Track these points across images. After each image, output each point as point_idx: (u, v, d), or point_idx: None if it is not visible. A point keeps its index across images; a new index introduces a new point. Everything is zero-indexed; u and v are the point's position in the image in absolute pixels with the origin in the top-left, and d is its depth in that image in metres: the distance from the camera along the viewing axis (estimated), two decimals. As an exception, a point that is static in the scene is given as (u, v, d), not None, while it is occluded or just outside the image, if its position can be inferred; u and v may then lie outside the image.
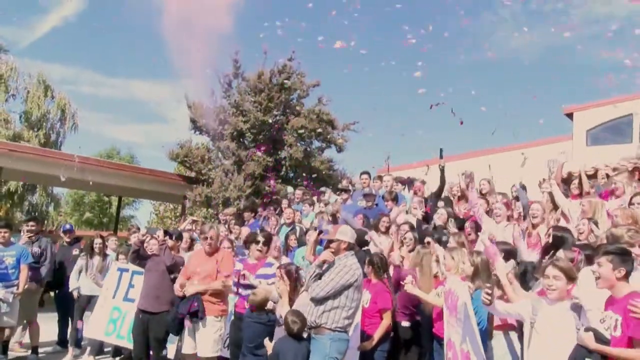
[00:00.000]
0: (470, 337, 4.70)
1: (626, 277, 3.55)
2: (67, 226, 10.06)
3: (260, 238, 6.39)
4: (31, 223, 8.67)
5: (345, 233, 5.19)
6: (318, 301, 4.96)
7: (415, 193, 9.19)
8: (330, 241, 5.17)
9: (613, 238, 4.55)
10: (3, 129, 23.94)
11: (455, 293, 4.98)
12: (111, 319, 7.79)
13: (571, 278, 3.99)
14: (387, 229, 8.08)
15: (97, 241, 8.82)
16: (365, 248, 7.46)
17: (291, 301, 5.55)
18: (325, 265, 5.09)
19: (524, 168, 8.83)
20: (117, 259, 8.51)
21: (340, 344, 4.95)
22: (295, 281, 5.74)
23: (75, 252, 9.11)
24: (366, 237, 7.42)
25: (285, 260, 7.10)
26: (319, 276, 5.02)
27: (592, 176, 9.45)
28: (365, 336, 5.78)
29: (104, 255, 8.72)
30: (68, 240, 9.50)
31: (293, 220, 9.48)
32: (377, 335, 5.69)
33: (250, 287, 6.19)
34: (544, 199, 7.64)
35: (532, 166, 8.99)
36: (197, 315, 6.07)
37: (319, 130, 17.37)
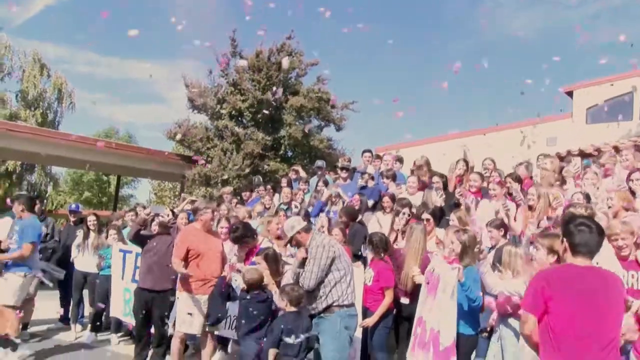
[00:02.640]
0: (444, 319, 4.83)
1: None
2: (73, 206, 10.05)
3: (235, 241, 6.58)
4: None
5: (291, 226, 5.24)
6: (313, 290, 5.03)
7: (412, 172, 9.16)
8: (290, 241, 5.26)
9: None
10: (0, 108, 23.91)
11: (437, 275, 5.08)
12: (124, 300, 7.85)
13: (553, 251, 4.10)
14: (392, 208, 8.13)
15: (91, 218, 8.88)
16: (359, 219, 7.55)
17: (277, 284, 5.67)
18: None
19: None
20: (106, 237, 8.51)
21: (349, 320, 5.07)
22: (276, 264, 5.85)
23: (79, 232, 9.14)
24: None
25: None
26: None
27: (588, 155, 9.49)
28: (368, 313, 5.89)
29: (99, 232, 8.78)
30: (74, 219, 9.52)
31: (291, 199, 9.54)
32: (379, 311, 5.80)
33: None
34: (539, 177, 7.76)
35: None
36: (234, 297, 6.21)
37: (317, 107, 17.33)
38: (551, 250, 4.12)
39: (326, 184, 9.99)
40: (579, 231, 3.33)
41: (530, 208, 6.82)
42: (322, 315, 5.05)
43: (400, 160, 10.07)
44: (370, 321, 5.80)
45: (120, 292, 7.95)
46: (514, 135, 14.52)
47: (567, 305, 3.20)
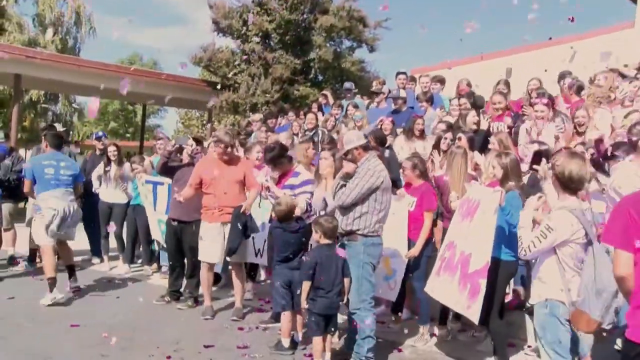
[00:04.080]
0: (479, 242, 4.74)
1: None
2: (100, 133, 9.95)
3: (269, 162, 6.46)
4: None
5: (350, 139, 5.14)
6: (346, 208, 4.99)
7: (460, 95, 8.86)
8: (346, 154, 5.14)
9: None
10: (17, 33, 23.80)
11: (474, 200, 4.98)
12: (161, 231, 7.84)
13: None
14: (422, 132, 7.97)
15: (112, 149, 8.87)
16: (388, 144, 7.43)
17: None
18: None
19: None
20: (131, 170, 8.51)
21: (374, 248, 5.03)
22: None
23: (101, 163, 9.08)
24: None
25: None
26: (344, 186, 5.04)
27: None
28: (412, 243, 5.84)
29: (120, 163, 8.77)
30: (101, 147, 9.39)
31: (315, 126, 9.40)
32: (420, 238, 5.74)
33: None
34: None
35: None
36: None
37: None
38: None
39: (356, 107, 9.82)
40: None
41: (578, 133, 6.59)
42: (345, 242, 5.05)
43: (441, 81, 9.73)
44: (415, 251, 5.75)
45: (155, 223, 8.04)
46: (563, 52, 13.69)
47: None
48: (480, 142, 6.91)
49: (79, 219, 7.43)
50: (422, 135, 7.93)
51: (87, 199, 8.66)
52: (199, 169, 6.52)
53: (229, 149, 6.47)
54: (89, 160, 9.48)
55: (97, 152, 9.46)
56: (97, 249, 9.27)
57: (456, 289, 4.86)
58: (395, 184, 5.95)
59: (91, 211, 8.73)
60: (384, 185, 5.00)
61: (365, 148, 5.15)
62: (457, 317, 5.84)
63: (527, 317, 5.74)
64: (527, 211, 4.08)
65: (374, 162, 5.08)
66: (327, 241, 5.02)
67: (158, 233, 7.95)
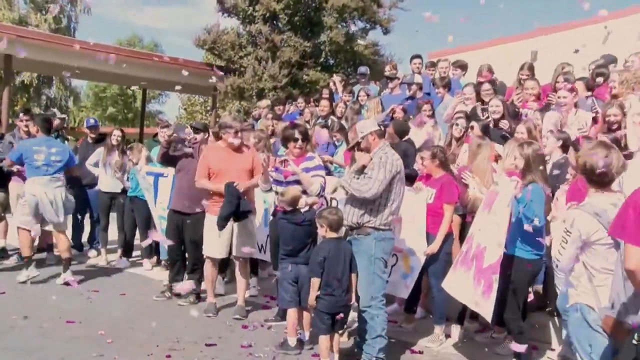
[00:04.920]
0: (493, 234, 4.76)
1: None
2: (92, 121, 9.98)
3: (298, 135, 6.36)
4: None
5: (364, 126, 5.17)
6: (356, 200, 4.98)
7: (481, 82, 8.76)
8: (358, 143, 5.15)
9: None
10: (6, 10, 23.77)
11: (496, 191, 5.01)
12: (162, 229, 7.77)
13: None
14: (430, 118, 8.00)
15: (116, 133, 8.86)
16: (407, 138, 7.43)
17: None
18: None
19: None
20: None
21: (385, 243, 5.04)
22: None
23: (101, 150, 9.08)
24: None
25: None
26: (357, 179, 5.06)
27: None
28: (430, 237, 5.84)
29: (123, 152, 8.75)
30: (93, 136, 9.52)
31: (329, 113, 9.38)
32: (440, 233, 5.74)
33: (288, 183, 6.18)
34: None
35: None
36: (246, 215, 6.28)
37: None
38: None
39: (368, 95, 9.81)
40: None
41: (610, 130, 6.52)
42: (355, 235, 5.06)
43: (462, 66, 9.66)
44: (434, 247, 5.74)
45: (157, 220, 8.02)
46: (595, 33, 13.37)
47: None
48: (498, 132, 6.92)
49: (71, 207, 7.63)
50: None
51: (74, 189, 8.53)
52: (207, 157, 6.50)
53: (239, 135, 6.48)
54: (80, 148, 9.46)
55: (90, 140, 9.47)
56: (78, 241, 9.32)
57: (471, 285, 4.88)
58: (409, 178, 5.95)
59: (77, 202, 8.50)
60: (400, 174, 5.03)
61: (380, 135, 5.17)
62: (474, 316, 5.84)
63: (551, 319, 5.75)
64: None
65: (389, 150, 5.10)
66: (333, 234, 5.03)
67: (159, 232, 7.84)
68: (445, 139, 7.49)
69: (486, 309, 4.69)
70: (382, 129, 5.55)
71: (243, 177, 6.38)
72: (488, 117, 7.27)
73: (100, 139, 9.45)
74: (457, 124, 6.95)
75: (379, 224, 4.97)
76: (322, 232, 5.08)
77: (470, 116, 7.29)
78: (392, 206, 5.02)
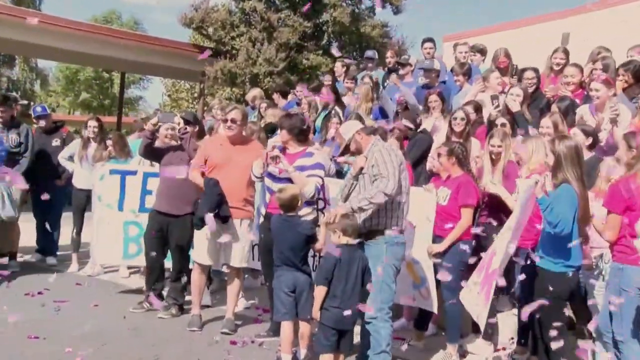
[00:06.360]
0: (502, 240, 4.83)
1: None
2: (38, 109, 9.50)
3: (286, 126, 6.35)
4: None
5: (347, 128, 5.30)
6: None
7: (499, 68, 8.71)
8: (347, 146, 5.26)
9: None
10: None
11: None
12: (128, 237, 7.73)
13: None
14: (442, 110, 7.92)
15: (92, 124, 8.76)
16: (422, 128, 7.43)
17: None
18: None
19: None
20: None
21: (398, 248, 5.08)
22: None
23: (56, 142, 9.08)
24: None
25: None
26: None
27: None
28: (437, 241, 5.78)
29: (103, 143, 8.63)
30: (43, 127, 9.29)
31: (334, 101, 9.27)
32: (451, 235, 5.64)
33: (282, 180, 6.11)
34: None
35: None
36: (226, 220, 6.22)
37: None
38: None
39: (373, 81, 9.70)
40: None
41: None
42: (365, 242, 5.09)
43: (481, 51, 9.62)
44: (439, 247, 5.67)
45: (117, 228, 7.74)
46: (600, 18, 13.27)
47: None
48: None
49: (16, 201, 7.81)
50: (440, 114, 7.92)
51: (41, 185, 8.33)
52: (206, 148, 6.50)
53: (233, 125, 6.39)
54: (35, 141, 8.98)
55: (40, 131, 9.33)
56: (48, 245, 9.22)
57: (476, 292, 4.95)
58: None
59: (42, 202, 8.14)
60: (402, 166, 5.09)
61: (369, 132, 5.29)
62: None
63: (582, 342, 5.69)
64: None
65: (381, 143, 5.23)
66: (347, 240, 4.96)
67: (118, 246, 7.73)
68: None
69: (481, 319, 4.81)
70: (375, 127, 5.67)
71: (243, 175, 6.32)
72: (497, 107, 7.26)
73: (54, 128, 9.35)
74: (455, 117, 6.82)
75: (388, 225, 5.02)
76: (335, 238, 5.02)
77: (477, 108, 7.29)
78: (402, 206, 5.09)
